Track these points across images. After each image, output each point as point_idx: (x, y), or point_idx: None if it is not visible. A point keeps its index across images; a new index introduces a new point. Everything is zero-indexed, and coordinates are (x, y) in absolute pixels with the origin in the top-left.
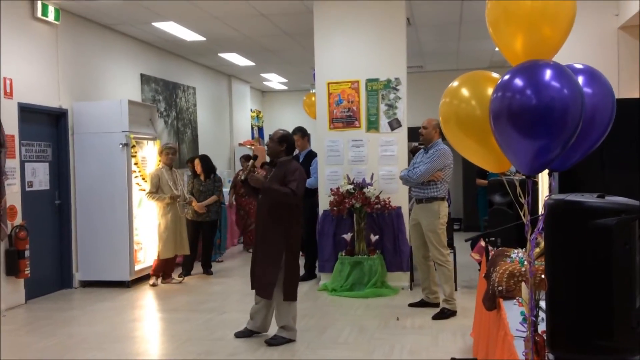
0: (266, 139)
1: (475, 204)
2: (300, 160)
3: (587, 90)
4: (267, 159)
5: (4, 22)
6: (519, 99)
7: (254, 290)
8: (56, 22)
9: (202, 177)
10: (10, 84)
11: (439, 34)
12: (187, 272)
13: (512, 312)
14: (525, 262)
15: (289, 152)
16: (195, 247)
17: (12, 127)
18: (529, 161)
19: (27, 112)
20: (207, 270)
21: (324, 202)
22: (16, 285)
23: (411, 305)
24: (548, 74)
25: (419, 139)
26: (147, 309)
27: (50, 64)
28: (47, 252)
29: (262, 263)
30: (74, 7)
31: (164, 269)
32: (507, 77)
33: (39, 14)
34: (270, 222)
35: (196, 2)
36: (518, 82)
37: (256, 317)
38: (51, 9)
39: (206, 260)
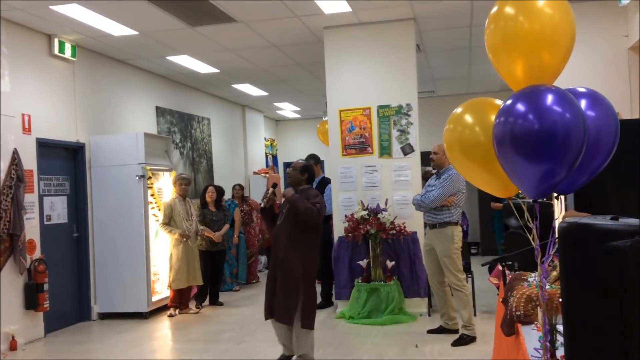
0: (280, 166)
1: (492, 228)
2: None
3: (590, 113)
4: (282, 188)
5: (22, 60)
6: (521, 123)
7: (270, 321)
8: (73, 59)
9: (211, 207)
10: (29, 120)
11: (449, 60)
12: (201, 302)
13: (531, 337)
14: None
15: (309, 181)
16: (211, 278)
17: (30, 162)
18: (535, 185)
19: (45, 147)
20: (217, 301)
21: (338, 229)
22: (35, 318)
23: (430, 331)
24: (550, 98)
25: (430, 164)
26: (165, 340)
27: (67, 100)
28: (66, 285)
29: (282, 289)
30: (90, 43)
31: (180, 300)
32: (509, 102)
33: (56, 51)
34: (290, 249)
35: (209, 36)
36: (520, 107)
37: (288, 340)
38: (68, 46)
39: (215, 290)
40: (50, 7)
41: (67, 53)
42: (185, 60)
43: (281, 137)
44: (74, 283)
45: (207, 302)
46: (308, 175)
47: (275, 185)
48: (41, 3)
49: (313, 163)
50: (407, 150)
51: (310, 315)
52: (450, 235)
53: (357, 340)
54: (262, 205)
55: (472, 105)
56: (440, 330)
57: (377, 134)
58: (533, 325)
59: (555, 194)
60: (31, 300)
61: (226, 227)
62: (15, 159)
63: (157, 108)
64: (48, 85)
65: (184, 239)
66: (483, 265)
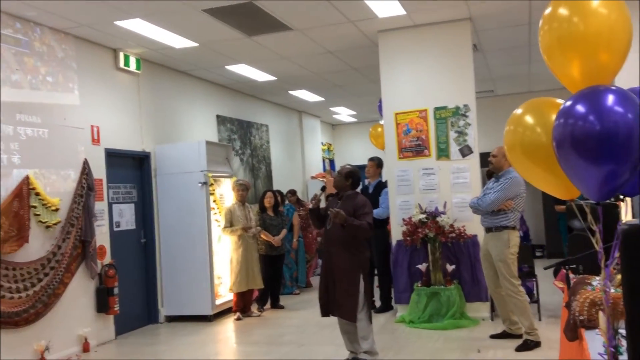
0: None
1: (557, 230)
2: (370, 190)
3: None
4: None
5: (90, 74)
6: (581, 125)
7: (332, 324)
8: (137, 71)
9: (269, 212)
10: (98, 131)
11: (508, 58)
12: (263, 305)
13: (595, 343)
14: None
15: (354, 187)
16: (271, 281)
17: (100, 172)
18: (597, 187)
19: (113, 157)
20: (277, 304)
21: (396, 232)
22: (106, 321)
23: (493, 336)
24: (611, 99)
25: (489, 166)
26: (228, 342)
27: (133, 111)
28: (135, 289)
29: (344, 292)
30: (153, 56)
31: (243, 303)
32: (568, 103)
33: (122, 64)
34: (344, 252)
35: (266, 45)
36: (580, 108)
37: (356, 346)
38: (132, 60)
39: (276, 294)
40: (115, 22)
41: (132, 66)
42: (244, 69)
43: (338, 141)
44: (142, 287)
45: (268, 305)
46: (352, 181)
47: (324, 189)
48: (107, 19)
49: (375, 164)
50: (465, 151)
51: (370, 308)
52: (505, 240)
53: (417, 345)
54: (310, 206)
55: (533, 105)
56: (504, 335)
57: (434, 136)
58: (597, 330)
59: (621, 196)
60: (102, 304)
61: (284, 231)
62: (86, 169)
63: (218, 116)
64: (115, 97)
65: (247, 232)
66: (546, 268)
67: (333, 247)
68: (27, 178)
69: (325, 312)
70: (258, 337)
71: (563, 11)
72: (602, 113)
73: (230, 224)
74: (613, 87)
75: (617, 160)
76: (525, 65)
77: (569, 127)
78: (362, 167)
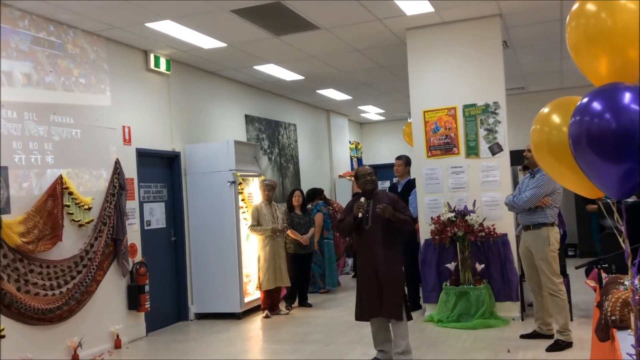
0: None
1: (590, 229)
2: (399, 189)
3: None
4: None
5: (121, 75)
6: (597, 122)
7: (360, 322)
8: (167, 72)
9: (297, 211)
10: (129, 132)
11: (539, 55)
12: (291, 303)
13: (627, 343)
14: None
15: None
16: (300, 280)
17: (131, 171)
18: (616, 186)
19: (144, 157)
20: (305, 303)
21: (425, 231)
22: (137, 318)
23: (523, 336)
24: (627, 96)
25: (523, 162)
26: (256, 340)
27: (163, 111)
28: (165, 287)
29: (391, 289)
30: (182, 57)
31: (271, 301)
32: (585, 100)
33: (152, 65)
34: (388, 250)
35: (293, 44)
36: (596, 105)
37: (386, 346)
38: (162, 61)
39: (304, 292)
40: (146, 24)
41: (162, 67)
42: (272, 69)
43: (366, 140)
44: (173, 285)
45: (296, 303)
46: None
47: (368, 196)
48: (138, 21)
49: (404, 162)
50: (495, 149)
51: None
52: (545, 237)
53: (446, 344)
54: (360, 215)
55: (559, 104)
56: (534, 335)
57: (463, 134)
58: (629, 330)
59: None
60: (133, 301)
61: (312, 230)
62: (118, 169)
63: (246, 116)
64: (145, 98)
65: (277, 234)
66: (577, 267)
67: (376, 247)
68: (60, 177)
69: (368, 316)
70: (286, 335)
71: (591, 7)
72: (619, 110)
73: (257, 222)
74: (630, 85)
75: (634, 158)
76: (557, 62)
77: (585, 125)
78: (391, 166)
